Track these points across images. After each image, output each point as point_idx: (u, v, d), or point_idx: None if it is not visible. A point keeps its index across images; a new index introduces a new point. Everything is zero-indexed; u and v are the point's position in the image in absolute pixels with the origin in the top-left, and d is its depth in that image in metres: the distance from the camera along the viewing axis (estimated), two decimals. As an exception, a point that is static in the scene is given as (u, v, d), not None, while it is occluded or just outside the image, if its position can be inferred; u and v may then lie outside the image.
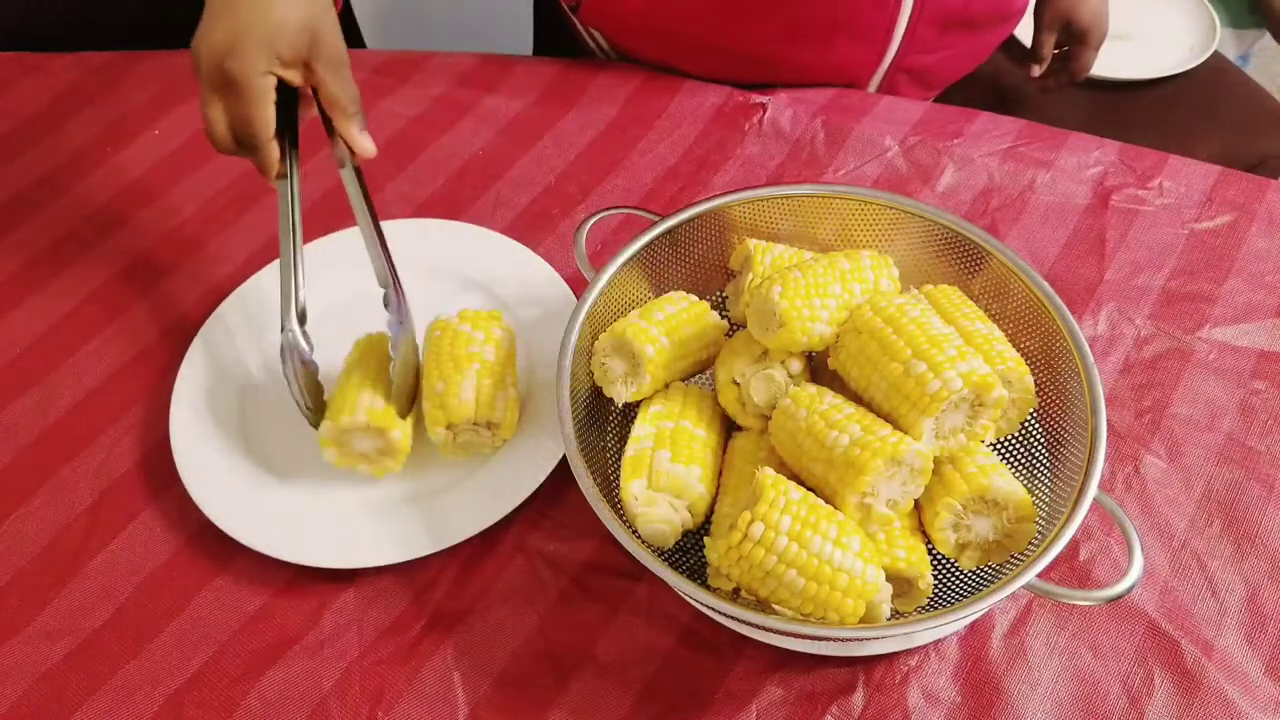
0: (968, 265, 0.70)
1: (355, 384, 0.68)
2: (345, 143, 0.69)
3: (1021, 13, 1.03)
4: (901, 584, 0.58)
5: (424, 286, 0.80)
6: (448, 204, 0.88)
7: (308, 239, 0.83)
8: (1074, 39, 1.04)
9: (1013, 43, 1.13)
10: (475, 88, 0.98)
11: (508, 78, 0.98)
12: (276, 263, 0.82)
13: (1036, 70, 1.07)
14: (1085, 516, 0.56)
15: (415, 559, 0.66)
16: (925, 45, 0.96)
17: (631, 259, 0.69)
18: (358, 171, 0.70)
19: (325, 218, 0.87)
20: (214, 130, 0.66)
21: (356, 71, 0.98)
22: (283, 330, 0.68)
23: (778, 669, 0.62)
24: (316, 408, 0.69)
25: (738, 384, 0.65)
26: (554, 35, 1.11)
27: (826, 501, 0.58)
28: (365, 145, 0.69)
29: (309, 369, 0.69)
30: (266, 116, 0.65)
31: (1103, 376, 0.65)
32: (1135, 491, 0.68)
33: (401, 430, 0.67)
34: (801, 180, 0.88)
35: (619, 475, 0.62)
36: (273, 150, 0.67)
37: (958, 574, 0.62)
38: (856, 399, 0.61)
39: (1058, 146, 0.88)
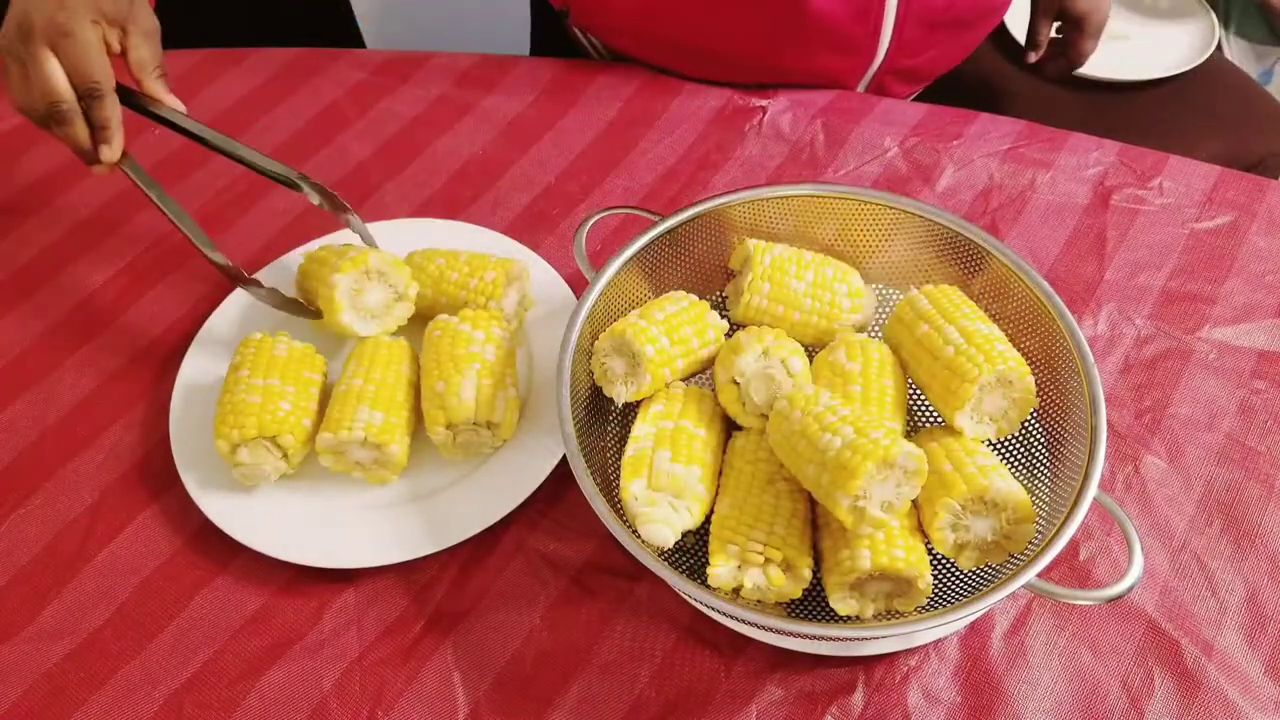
0: (968, 265, 0.70)
1: (355, 395, 0.68)
2: (152, 98, 0.71)
3: (1007, 5, 1.02)
4: (901, 584, 0.58)
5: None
6: (448, 204, 0.88)
7: (315, 235, 0.83)
8: (1071, 25, 1.02)
9: (1007, 41, 1.13)
10: (475, 88, 0.98)
11: (508, 78, 0.98)
12: (275, 263, 0.82)
13: (1032, 56, 1.05)
14: (1085, 516, 0.56)
15: (415, 559, 0.66)
16: (913, 49, 0.95)
17: (631, 259, 0.69)
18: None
19: (331, 215, 0.87)
20: (52, 83, 0.65)
21: (356, 71, 1.00)
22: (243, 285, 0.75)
23: (777, 669, 0.62)
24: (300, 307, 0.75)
25: (738, 384, 0.65)
26: (551, 38, 1.11)
27: (820, 503, 0.58)
28: (175, 101, 0.72)
29: (270, 291, 0.74)
30: (105, 63, 0.67)
31: (1103, 376, 0.65)
32: (1135, 491, 0.68)
33: (400, 445, 0.67)
34: (801, 181, 0.88)
35: (619, 475, 0.62)
36: (115, 103, 0.67)
37: (957, 574, 0.61)
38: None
39: (1058, 146, 0.88)
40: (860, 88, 0.99)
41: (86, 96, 0.66)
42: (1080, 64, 1.05)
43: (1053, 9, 1.02)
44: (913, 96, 1.05)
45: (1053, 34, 1.06)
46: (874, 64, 0.95)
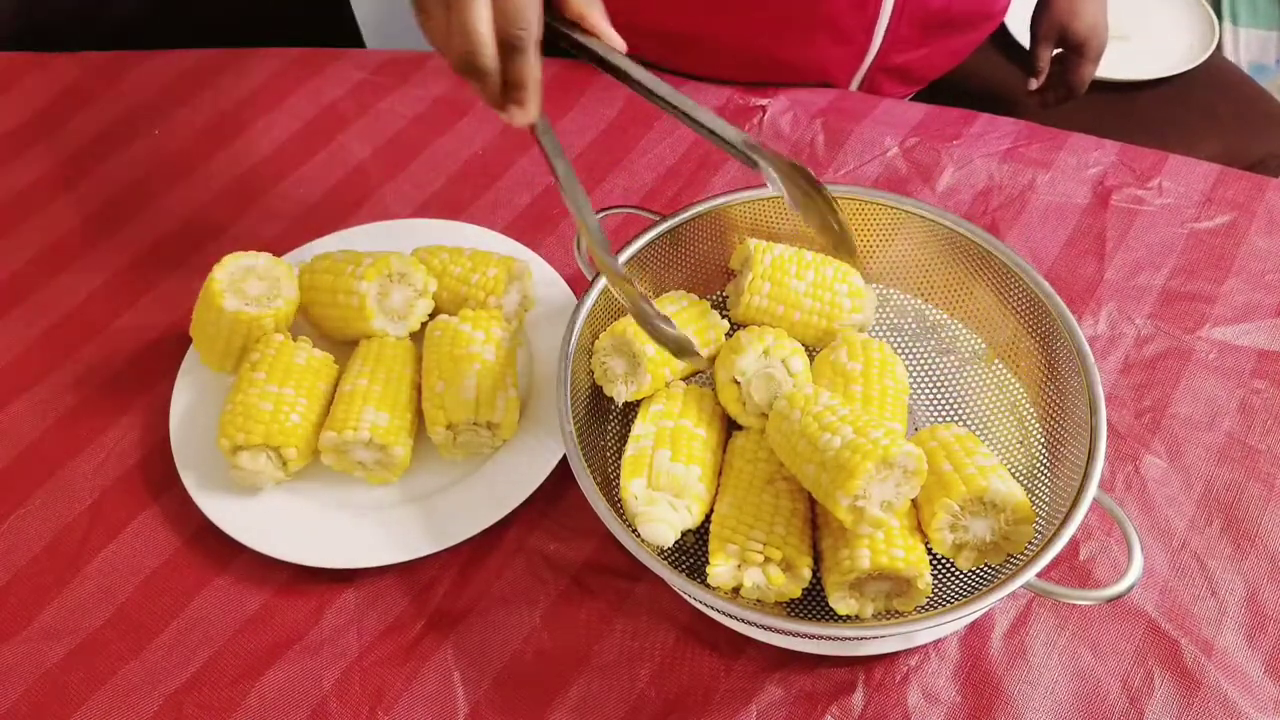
0: (968, 265, 0.70)
1: (361, 395, 0.68)
2: (598, 36, 0.62)
3: (1003, 13, 1.02)
4: (900, 583, 0.58)
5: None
6: (448, 204, 0.88)
7: (315, 235, 0.83)
8: (1071, 51, 1.03)
9: (1008, 43, 1.13)
10: (475, 88, 0.97)
11: (508, 78, 0.98)
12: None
13: (1034, 83, 1.06)
14: (1085, 516, 0.56)
15: (415, 559, 0.66)
16: (906, 45, 0.96)
17: (631, 259, 0.69)
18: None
19: (331, 215, 0.87)
20: (473, 28, 0.55)
21: (356, 71, 1.00)
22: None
23: (777, 669, 0.62)
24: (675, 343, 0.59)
25: (738, 383, 0.65)
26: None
27: (820, 503, 0.58)
28: (616, 38, 0.63)
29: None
30: (538, 9, 0.57)
31: (1103, 376, 0.65)
32: (1135, 491, 0.68)
33: (404, 447, 0.67)
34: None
35: (619, 475, 0.62)
36: (537, 60, 0.58)
37: (957, 574, 0.62)
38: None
39: (1058, 146, 0.88)
40: (853, 85, 0.99)
41: (506, 47, 0.57)
42: (1080, 91, 1.05)
43: (1053, 35, 1.03)
44: (908, 99, 1.06)
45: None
46: (867, 58, 0.95)
